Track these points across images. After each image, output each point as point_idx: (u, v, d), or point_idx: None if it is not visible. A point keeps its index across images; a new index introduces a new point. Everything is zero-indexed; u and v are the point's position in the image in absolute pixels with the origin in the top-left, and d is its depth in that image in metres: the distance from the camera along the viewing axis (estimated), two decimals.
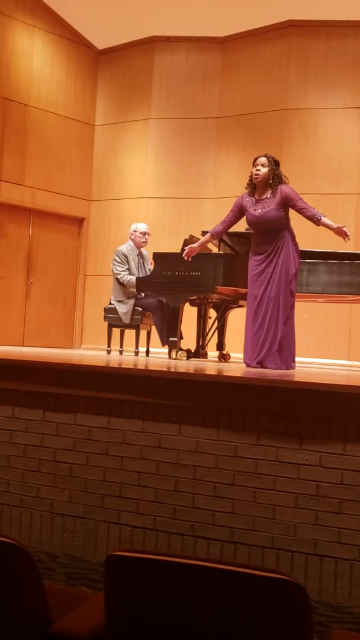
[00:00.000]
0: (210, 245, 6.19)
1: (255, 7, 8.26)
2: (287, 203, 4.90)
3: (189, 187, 8.97)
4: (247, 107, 8.73)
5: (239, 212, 5.05)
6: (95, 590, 2.82)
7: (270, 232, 4.90)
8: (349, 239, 4.95)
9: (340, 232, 4.91)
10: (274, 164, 4.94)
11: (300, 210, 4.94)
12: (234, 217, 5.09)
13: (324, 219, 4.90)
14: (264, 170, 4.90)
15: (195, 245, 5.24)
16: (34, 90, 8.98)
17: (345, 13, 8.13)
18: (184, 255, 5.25)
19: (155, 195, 9.09)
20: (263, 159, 4.95)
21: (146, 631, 1.48)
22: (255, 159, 4.99)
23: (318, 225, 4.94)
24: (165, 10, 8.52)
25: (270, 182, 4.92)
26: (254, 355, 4.87)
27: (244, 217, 5.05)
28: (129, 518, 3.38)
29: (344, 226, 4.93)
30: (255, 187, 4.98)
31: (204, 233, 6.06)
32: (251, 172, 4.98)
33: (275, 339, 4.82)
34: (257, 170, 4.91)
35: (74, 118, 9.40)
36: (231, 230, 5.71)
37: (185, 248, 5.29)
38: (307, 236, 5.46)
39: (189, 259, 5.23)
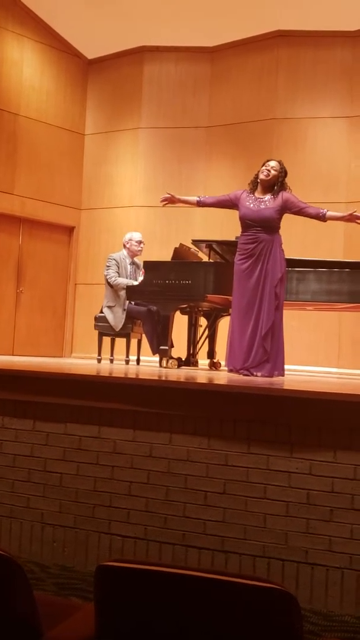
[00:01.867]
0: (200, 254, 6.21)
1: (244, 17, 8.32)
2: (287, 207, 4.94)
3: (163, 196, 8.97)
4: (237, 116, 8.78)
5: (232, 202, 5.08)
6: (85, 600, 2.80)
7: (260, 231, 4.91)
8: None
9: (352, 219, 5.02)
10: (284, 173, 4.99)
11: (303, 211, 4.99)
12: (225, 201, 5.15)
13: (330, 213, 4.98)
14: (274, 172, 4.95)
15: (176, 197, 5.31)
16: (23, 99, 8.99)
17: (333, 23, 8.20)
18: (161, 198, 5.31)
19: (145, 204, 9.10)
20: (275, 164, 4.99)
21: None
22: (267, 161, 5.03)
23: (325, 221, 5.02)
24: (154, 20, 8.56)
25: (275, 187, 4.96)
26: (242, 361, 4.84)
27: (236, 215, 5.08)
28: (119, 528, 3.36)
29: (354, 211, 5.03)
30: (257, 186, 5.01)
31: (194, 242, 6.09)
32: (259, 171, 5.00)
33: (267, 346, 4.82)
34: (268, 170, 4.95)
35: (64, 127, 9.41)
36: (221, 239, 5.72)
37: (167, 194, 5.31)
38: (298, 244, 5.50)
39: (165, 203, 5.32)
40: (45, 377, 3.73)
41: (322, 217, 4.96)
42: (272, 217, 4.91)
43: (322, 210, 4.96)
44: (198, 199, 5.29)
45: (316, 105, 8.45)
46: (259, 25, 8.47)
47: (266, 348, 4.81)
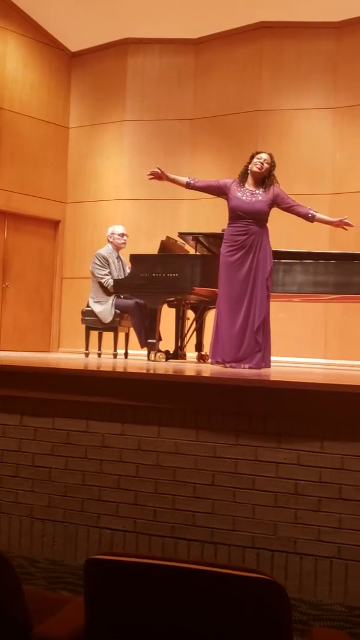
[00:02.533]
0: (187, 247, 6.20)
1: (228, 9, 8.29)
2: (276, 202, 4.97)
3: (164, 188, 8.93)
4: (221, 108, 8.76)
5: (220, 189, 5.08)
6: (76, 594, 2.80)
7: (252, 224, 4.91)
8: (352, 226, 5.13)
9: (341, 224, 5.12)
10: (274, 166, 5.02)
11: (292, 208, 5.03)
12: (214, 187, 5.14)
13: (319, 215, 5.05)
14: (267, 166, 4.96)
15: (167, 174, 5.24)
16: (7, 93, 8.92)
17: (317, 14, 8.20)
18: (149, 172, 5.26)
19: (131, 197, 9.08)
20: (267, 156, 4.99)
21: (127, 634, 1.47)
22: (258, 153, 5.03)
23: (312, 222, 5.07)
24: (138, 12, 8.51)
25: (266, 180, 4.97)
26: (232, 354, 4.85)
27: (223, 208, 5.08)
28: (108, 521, 3.37)
29: (345, 217, 5.12)
30: (246, 178, 5.00)
31: (180, 235, 6.08)
32: (250, 162, 4.99)
33: (259, 338, 4.84)
34: (262, 163, 4.95)
35: (48, 120, 9.35)
36: (207, 231, 5.71)
37: (157, 169, 5.23)
38: (283, 236, 5.51)
39: (152, 175, 5.25)
40: (33, 372, 3.72)
41: (310, 218, 5.02)
42: (264, 210, 4.93)
43: (311, 211, 5.01)
44: (188, 180, 5.22)
45: (300, 97, 8.45)
46: (242, 16, 8.45)
47: (258, 340, 4.83)
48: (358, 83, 8.16)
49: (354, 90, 8.18)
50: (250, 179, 4.99)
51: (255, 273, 4.89)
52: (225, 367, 4.80)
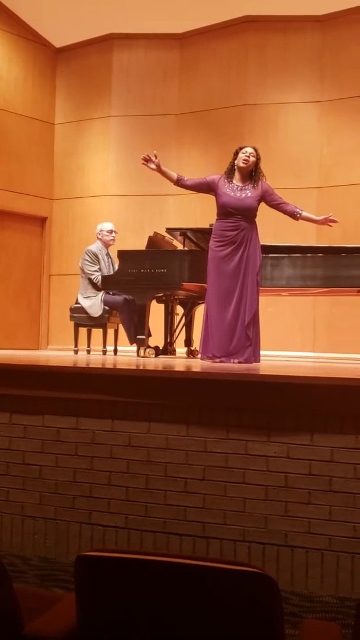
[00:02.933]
0: (175, 242, 6.20)
1: (213, 3, 8.27)
2: (264, 198, 4.99)
3: (151, 184, 8.94)
4: (207, 103, 8.75)
5: (208, 186, 5.05)
6: (68, 591, 2.80)
7: (241, 219, 4.91)
8: (336, 222, 5.24)
9: (326, 222, 5.21)
10: (258, 157, 5.02)
11: (279, 206, 5.06)
12: (202, 184, 5.09)
13: (304, 214, 5.11)
14: (253, 159, 4.97)
15: (158, 166, 5.14)
16: None
17: (302, 8, 8.20)
18: (144, 156, 5.16)
19: (118, 193, 9.06)
20: (252, 150, 5.00)
21: (119, 630, 1.48)
22: (242, 148, 5.02)
23: (298, 219, 5.12)
24: (122, 7, 8.48)
25: (253, 173, 4.98)
26: (223, 349, 4.86)
27: (211, 203, 5.08)
28: (100, 518, 3.37)
29: (329, 215, 5.22)
30: (233, 173, 5.00)
31: (168, 230, 6.07)
32: (236, 158, 4.99)
33: (250, 333, 4.85)
34: (247, 157, 4.94)
35: (34, 117, 9.30)
36: (195, 227, 5.69)
37: (154, 157, 5.13)
38: (270, 230, 5.52)
39: (145, 161, 5.17)
40: (22, 369, 3.70)
41: (296, 216, 5.08)
42: (253, 206, 4.94)
43: (297, 209, 5.06)
44: (178, 176, 5.16)
45: (286, 91, 8.45)
46: (227, 10, 8.44)
47: (249, 335, 4.84)
48: (344, 76, 8.18)
49: (339, 84, 8.20)
50: (237, 175, 4.99)
51: (246, 268, 4.90)
52: (216, 362, 4.81)
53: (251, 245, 4.94)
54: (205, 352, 4.93)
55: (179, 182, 5.18)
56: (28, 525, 3.51)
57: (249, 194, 4.93)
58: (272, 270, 5.45)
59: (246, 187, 4.96)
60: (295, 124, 8.41)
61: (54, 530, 3.45)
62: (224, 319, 4.87)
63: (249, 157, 4.94)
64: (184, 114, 8.92)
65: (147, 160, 5.16)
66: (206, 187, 5.09)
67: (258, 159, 5.00)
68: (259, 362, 4.96)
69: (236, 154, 5.00)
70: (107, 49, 9.22)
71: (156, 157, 5.12)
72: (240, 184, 4.97)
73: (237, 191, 4.94)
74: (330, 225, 5.26)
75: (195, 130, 8.82)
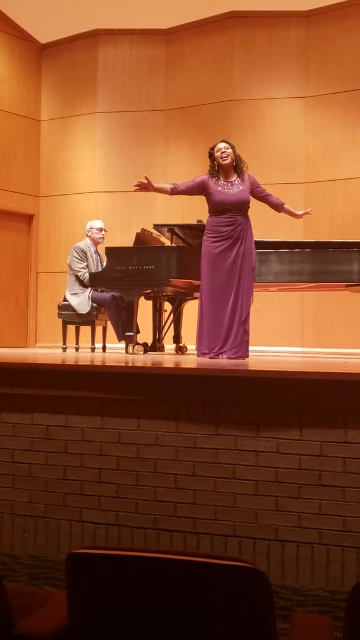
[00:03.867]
0: (162, 239, 6.19)
1: None
2: (252, 189, 5.04)
3: (138, 180, 8.93)
4: (194, 98, 8.74)
5: (200, 187, 5.04)
6: (60, 589, 2.80)
7: (237, 214, 4.92)
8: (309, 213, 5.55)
9: (302, 216, 5.52)
10: (233, 148, 5.04)
11: (265, 197, 5.15)
12: (193, 187, 5.08)
13: (286, 206, 5.28)
14: (230, 152, 4.98)
15: (153, 184, 5.13)
16: None
17: (287, 3, 8.20)
18: (135, 183, 5.15)
19: (105, 190, 9.03)
20: (224, 144, 5.01)
21: (111, 628, 1.48)
22: (215, 146, 5.03)
23: (280, 211, 5.27)
24: (107, 3, 8.44)
25: (235, 165, 4.99)
26: (217, 345, 4.86)
27: (198, 199, 5.12)
28: (90, 515, 3.36)
29: (308, 210, 5.57)
30: (218, 173, 4.99)
31: (156, 226, 6.06)
32: (213, 158, 5.00)
33: (246, 326, 4.87)
34: (224, 152, 4.95)
35: (19, 114, 9.25)
36: (183, 222, 5.68)
37: (144, 180, 5.11)
38: (258, 225, 5.50)
39: (138, 187, 5.14)
40: (10, 367, 3.69)
41: (280, 207, 5.24)
42: (247, 199, 5.00)
43: (280, 201, 5.21)
44: (171, 186, 5.13)
45: (272, 86, 8.46)
46: (213, 6, 8.42)
47: (246, 329, 4.88)
48: (329, 72, 8.20)
49: (325, 79, 8.21)
50: (221, 173, 5.00)
51: (242, 263, 4.91)
52: (211, 358, 4.83)
53: (247, 241, 4.95)
54: (201, 348, 4.94)
55: (173, 192, 5.16)
56: (18, 524, 3.50)
57: (240, 187, 4.95)
58: (260, 266, 5.45)
59: (234, 181, 4.97)
60: (281, 119, 8.42)
61: (45, 528, 3.44)
62: (221, 315, 4.87)
63: (225, 152, 4.95)
64: (171, 110, 8.90)
65: (140, 185, 5.13)
66: (198, 189, 5.08)
67: (234, 148, 5.02)
68: (247, 357, 4.97)
69: (212, 155, 5.01)
70: (92, 44, 9.18)
71: (147, 179, 5.10)
72: (228, 180, 4.98)
73: (228, 187, 4.95)
74: (308, 214, 5.55)
75: (182, 126, 8.81)
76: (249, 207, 5.03)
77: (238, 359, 4.80)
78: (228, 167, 4.98)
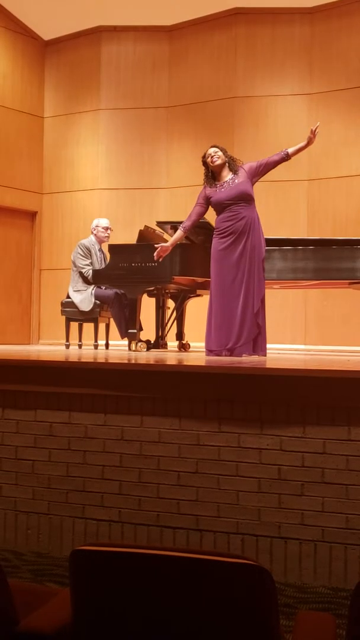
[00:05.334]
0: (165, 236, 6.19)
1: None
2: (252, 174, 4.97)
3: (142, 177, 8.94)
4: (197, 95, 8.73)
5: (205, 202, 5.06)
6: (62, 585, 2.81)
7: (238, 207, 4.90)
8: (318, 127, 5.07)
9: (311, 139, 5.05)
10: (224, 150, 5.05)
11: (268, 164, 5.04)
12: (201, 208, 5.08)
13: (291, 150, 5.10)
14: (220, 154, 4.99)
15: (167, 244, 5.14)
16: None
17: (291, 0, 8.17)
18: (155, 256, 5.13)
19: (108, 187, 9.03)
20: (214, 149, 5.04)
21: (115, 624, 1.48)
22: (205, 153, 5.06)
23: (290, 158, 5.12)
24: None
25: (228, 165, 4.99)
26: (225, 343, 4.83)
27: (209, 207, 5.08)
28: (93, 512, 3.37)
29: (315, 127, 5.06)
30: (213, 176, 5.01)
31: (159, 223, 6.06)
32: (207, 162, 5.02)
33: (253, 325, 4.83)
34: (212, 157, 4.98)
35: (22, 110, 9.24)
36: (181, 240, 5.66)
37: (157, 246, 5.14)
38: (261, 222, 5.50)
39: (160, 256, 5.13)
40: (13, 364, 3.69)
41: (286, 157, 5.08)
42: (246, 189, 4.94)
43: (283, 152, 5.07)
44: (182, 229, 5.09)
45: (276, 83, 8.44)
46: (216, 2, 8.41)
47: (259, 323, 4.85)
48: (332, 69, 8.17)
49: (328, 76, 8.19)
50: (216, 176, 5.02)
51: (251, 257, 4.86)
52: (219, 355, 4.79)
53: (254, 234, 4.90)
54: (209, 345, 4.92)
55: (186, 230, 5.13)
56: (21, 521, 3.51)
57: (237, 181, 4.95)
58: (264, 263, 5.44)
59: (229, 179, 4.98)
60: (285, 116, 8.40)
61: (48, 525, 3.45)
62: (229, 312, 4.83)
63: (213, 156, 4.98)
64: (174, 107, 8.89)
65: (161, 254, 5.12)
66: (206, 204, 5.05)
67: (224, 151, 5.02)
68: (265, 355, 4.94)
69: (204, 162, 5.05)
70: (96, 41, 9.17)
71: (161, 247, 5.11)
72: (223, 180, 4.99)
73: (224, 186, 4.96)
74: (314, 135, 5.05)
75: (185, 123, 8.80)
76: (251, 198, 4.98)
77: (252, 355, 4.77)
78: (220, 169, 5.00)
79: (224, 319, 4.85)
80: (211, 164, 4.99)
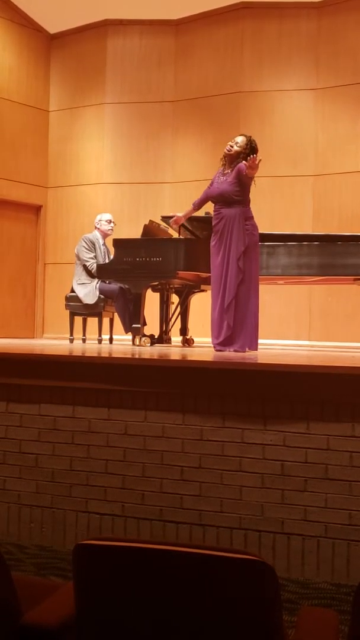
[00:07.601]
0: (170, 231, 6.18)
1: None
2: (243, 175, 4.90)
3: (146, 172, 8.92)
4: (203, 90, 8.70)
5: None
6: (66, 579, 2.81)
7: (222, 207, 4.95)
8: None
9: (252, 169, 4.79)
10: (249, 149, 4.94)
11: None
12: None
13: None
14: (236, 148, 4.96)
15: (180, 215, 5.36)
16: None
17: None
18: (171, 223, 5.38)
19: (113, 181, 9.01)
20: (242, 139, 5.00)
21: (117, 618, 1.48)
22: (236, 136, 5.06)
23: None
24: None
25: (236, 159, 4.98)
26: (215, 337, 4.93)
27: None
28: (97, 506, 3.38)
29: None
30: (225, 163, 5.03)
31: (163, 218, 6.05)
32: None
33: (229, 320, 4.87)
34: (231, 145, 4.98)
35: (28, 104, 9.23)
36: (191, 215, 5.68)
37: (171, 218, 5.38)
38: (266, 218, 5.51)
39: (178, 227, 5.40)
40: (18, 358, 3.70)
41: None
42: (227, 190, 4.92)
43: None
44: (193, 205, 5.30)
45: (282, 78, 8.40)
46: None
47: (229, 322, 4.85)
48: (339, 64, 8.13)
49: (335, 71, 8.15)
50: (226, 162, 5.02)
51: (228, 256, 4.94)
52: (215, 349, 4.88)
53: (234, 233, 4.92)
54: (212, 339, 5.01)
55: (194, 206, 5.30)
56: (25, 514, 3.52)
57: (227, 179, 4.95)
58: (268, 259, 5.44)
59: (226, 174, 4.98)
60: (290, 111, 8.37)
61: (51, 518, 3.46)
62: (215, 309, 4.95)
63: (233, 145, 4.98)
64: (179, 101, 8.86)
65: (176, 223, 5.42)
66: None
67: (246, 148, 4.92)
68: (256, 350, 4.97)
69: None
70: (101, 35, 9.14)
71: (178, 216, 5.41)
72: (225, 172, 5.00)
73: (221, 179, 4.99)
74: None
75: (191, 117, 8.77)
76: (234, 199, 4.93)
77: (237, 351, 4.81)
78: (228, 159, 5.00)
79: (213, 314, 5.00)
80: (226, 151, 4.99)
